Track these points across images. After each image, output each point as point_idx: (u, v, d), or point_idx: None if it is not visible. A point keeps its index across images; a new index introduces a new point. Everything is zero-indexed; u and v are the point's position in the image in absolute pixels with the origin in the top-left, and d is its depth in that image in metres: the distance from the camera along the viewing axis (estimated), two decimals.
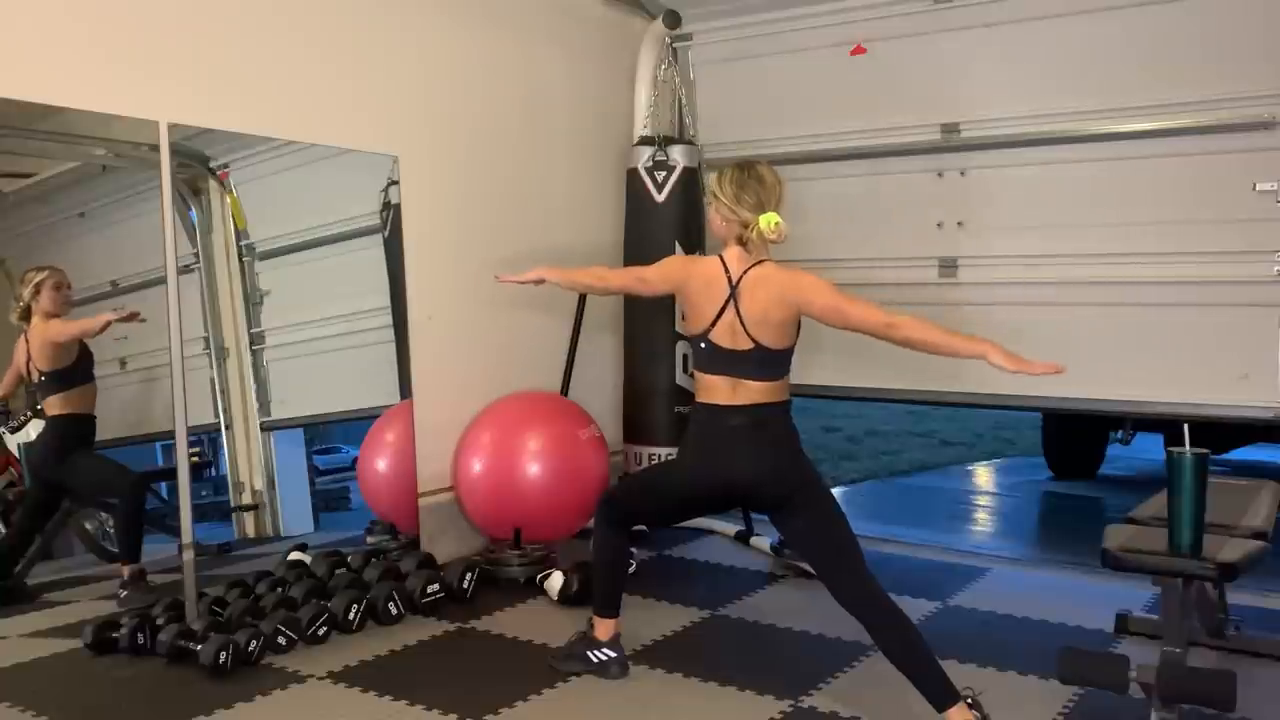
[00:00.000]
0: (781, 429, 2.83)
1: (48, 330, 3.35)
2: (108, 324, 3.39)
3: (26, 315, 3.34)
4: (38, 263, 3.32)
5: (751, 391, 2.77)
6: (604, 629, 3.05)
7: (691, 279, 2.84)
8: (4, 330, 3.41)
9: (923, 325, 2.57)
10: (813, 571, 2.91)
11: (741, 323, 2.72)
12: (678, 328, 4.51)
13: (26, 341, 3.36)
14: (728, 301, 2.73)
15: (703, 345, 2.80)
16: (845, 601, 2.71)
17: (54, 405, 3.39)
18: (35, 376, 3.38)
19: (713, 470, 2.84)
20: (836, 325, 2.67)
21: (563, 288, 3.33)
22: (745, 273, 2.73)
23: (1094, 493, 7.56)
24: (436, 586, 3.63)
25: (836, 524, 2.76)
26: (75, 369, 3.42)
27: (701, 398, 2.87)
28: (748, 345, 2.73)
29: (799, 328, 2.77)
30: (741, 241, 2.74)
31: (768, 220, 2.67)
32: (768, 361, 2.75)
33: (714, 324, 2.76)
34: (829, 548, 2.76)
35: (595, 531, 3.05)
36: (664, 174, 4.50)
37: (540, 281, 3.19)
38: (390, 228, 4.01)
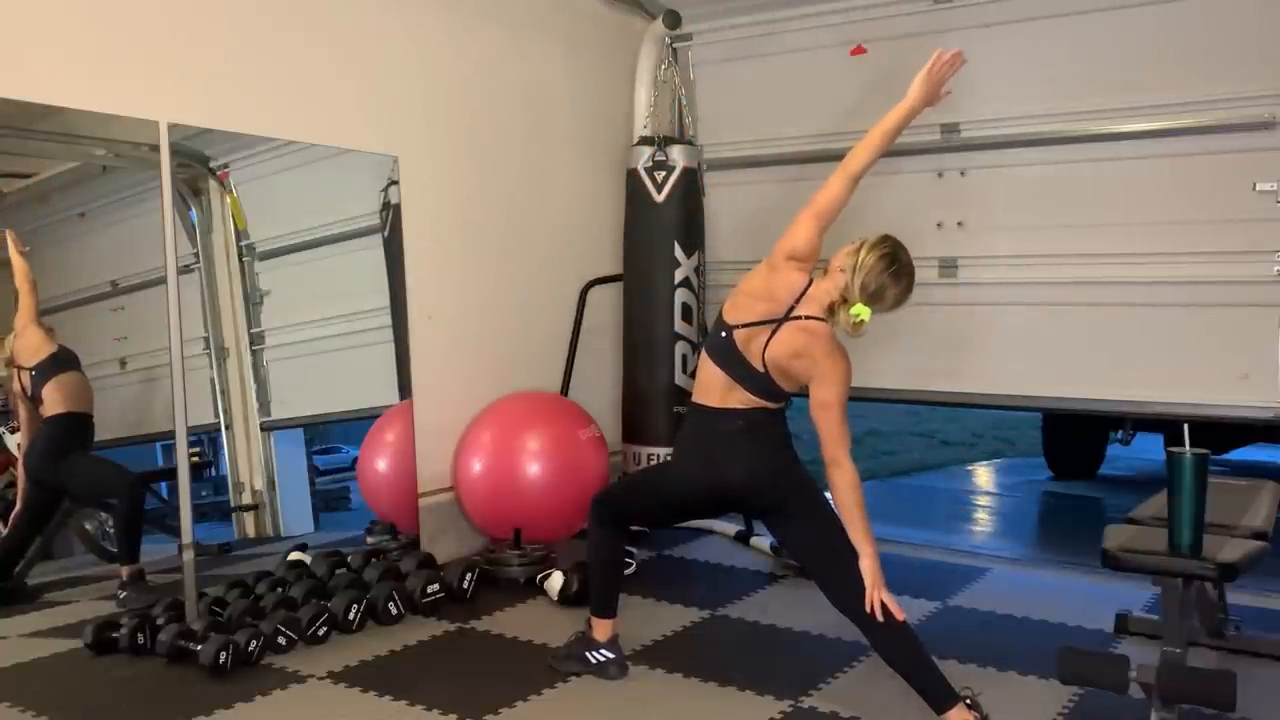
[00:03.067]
0: (774, 434, 2.85)
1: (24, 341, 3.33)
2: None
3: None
4: (38, 263, 3.32)
5: (745, 398, 2.80)
6: (601, 629, 3.05)
7: (776, 271, 2.71)
8: (4, 332, 3.41)
9: (844, 488, 2.64)
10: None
11: (765, 349, 2.70)
12: (677, 329, 4.50)
13: (11, 355, 3.36)
14: (772, 320, 2.69)
15: (724, 334, 2.75)
16: (841, 606, 2.72)
17: (50, 403, 3.39)
18: (28, 381, 3.37)
19: (706, 474, 2.85)
20: (827, 223, 2.69)
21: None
22: (806, 317, 2.67)
23: (1094, 493, 7.56)
24: (436, 586, 3.63)
25: (831, 529, 2.76)
26: (58, 355, 3.38)
27: (696, 395, 2.88)
28: (760, 368, 2.73)
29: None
30: (829, 299, 2.65)
31: (859, 311, 2.59)
32: (768, 390, 2.76)
33: (747, 326, 2.72)
34: (824, 553, 2.76)
35: (589, 531, 3.05)
36: (664, 174, 4.50)
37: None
38: (390, 228, 4.01)
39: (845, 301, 2.62)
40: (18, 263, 3.32)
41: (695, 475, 2.88)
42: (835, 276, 2.66)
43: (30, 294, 3.34)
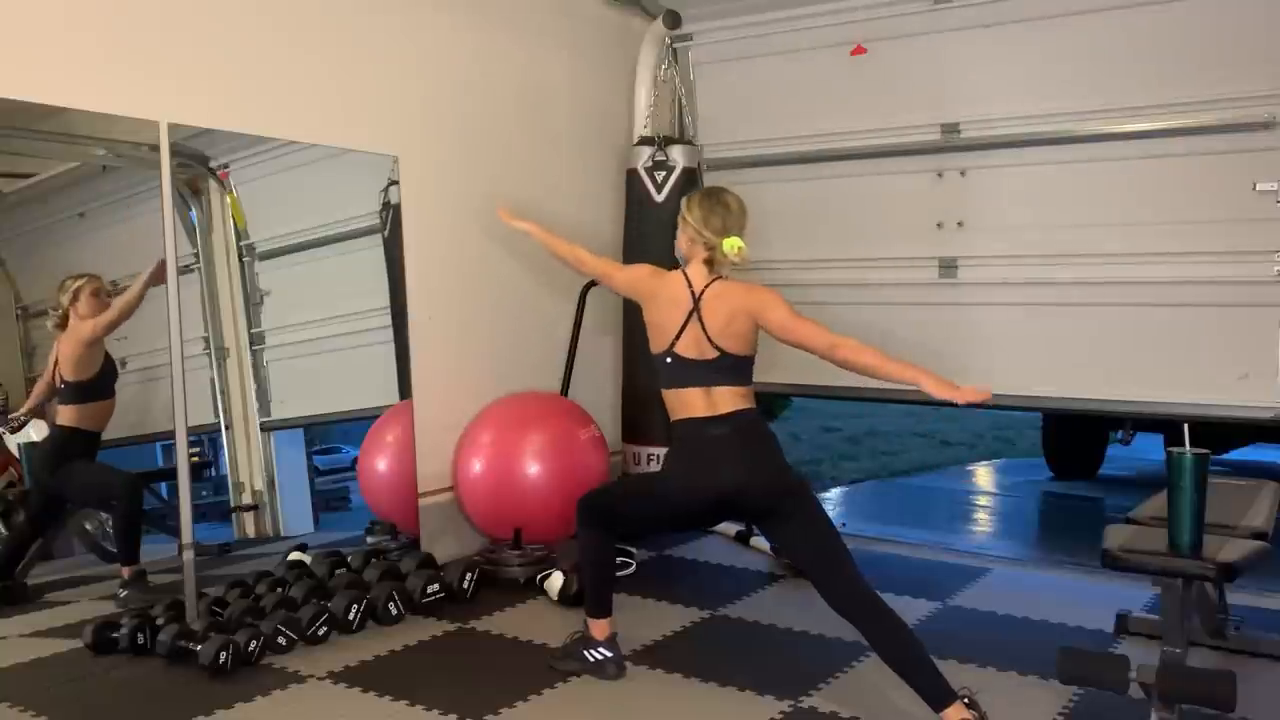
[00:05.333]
0: (763, 436, 2.88)
1: (81, 330, 3.35)
2: (145, 286, 3.35)
3: (63, 323, 3.36)
4: (38, 263, 3.33)
5: (725, 399, 2.83)
6: (598, 629, 3.06)
7: (657, 295, 2.95)
8: (3, 332, 3.41)
9: (862, 349, 2.68)
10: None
11: (706, 334, 2.83)
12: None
13: (57, 350, 3.37)
14: (690, 315, 2.86)
15: (668, 360, 2.90)
16: (838, 605, 2.72)
17: (64, 415, 3.41)
18: (58, 383, 3.38)
19: (699, 483, 2.85)
20: (786, 341, 2.81)
21: (544, 247, 3.47)
22: (706, 287, 2.87)
23: (1094, 493, 7.56)
24: (436, 586, 3.64)
25: (825, 529, 2.79)
26: (97, 382, 3.43)
27: (679, 414, 2.90)
28: (713, 354, 2.84)
29: (757, 338, 2.87)
30: (707, 261, 2.89)
31: (731, 244, 2.84)
32: (734, 368, 2.86)
33: (678, 338, 2.87)
34: (820, 553, 2.77)
35: (578, 533, 3.06)
36: (664, 174, 4.50)
37: (527, 233, 3.45)
38: (390, 228, 4.01)
39: (713, 250, 2.87)
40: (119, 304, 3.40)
41: (690, 484, 2.88)
42: (691, 248, 2.92)
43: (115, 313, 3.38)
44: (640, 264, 3.16)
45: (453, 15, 4.23)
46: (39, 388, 3.40)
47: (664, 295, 2.93)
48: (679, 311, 2.88)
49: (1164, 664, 2.55)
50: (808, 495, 2.85)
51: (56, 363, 3.38)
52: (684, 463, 2.91)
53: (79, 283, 3.35)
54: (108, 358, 3.43)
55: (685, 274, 2.93)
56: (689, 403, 2.87)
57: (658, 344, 2.93)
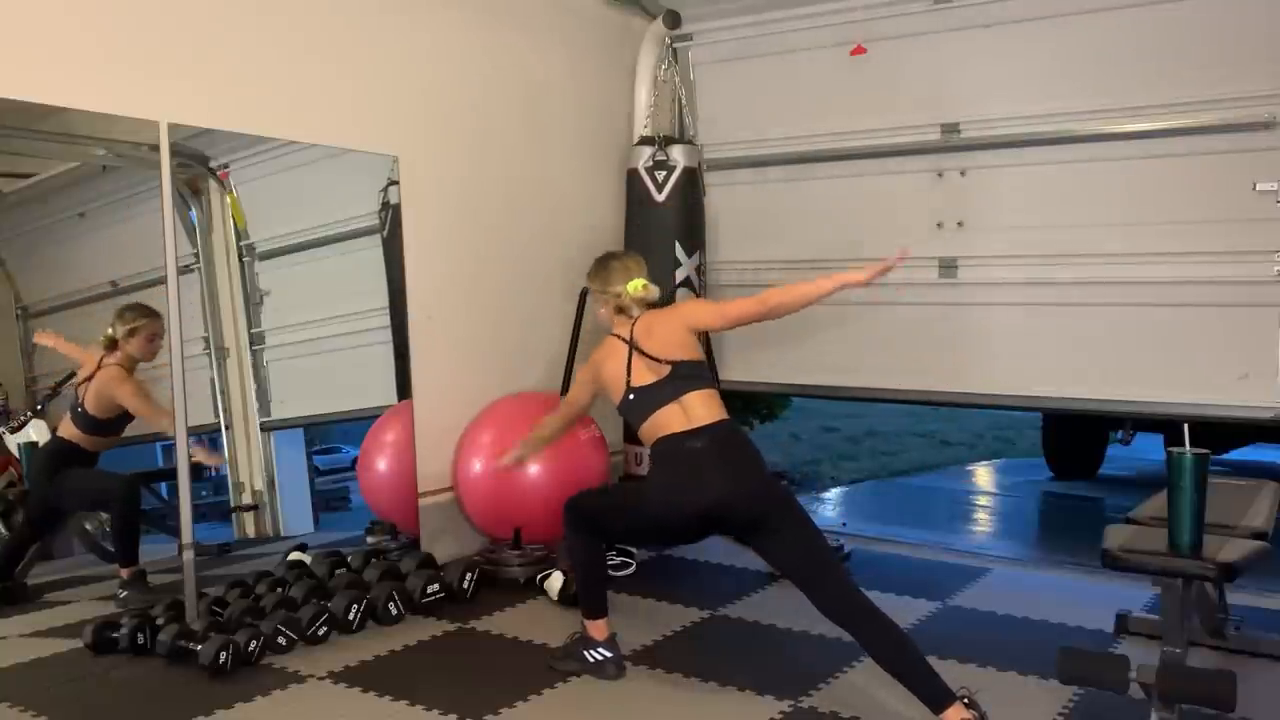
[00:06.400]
0: (741, 446, 2.92)
1: (119, 386, 3.39)
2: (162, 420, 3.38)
3: (110, 347, 3.38)
4: (38, 263, 3.33)
5: (698, 406, 2.89)
6: (596, 629, 3.06)
7: (604, 363, 3.08)
8: (3, 332, 3.42)
9: (789, 288, 2.87)
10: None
11: (651, 357, 2.97)
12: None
13: (98, 368, 3.38)
14: (631, 353, 3.01)
15: (631, 397, 2.98)
16: (831, 613, 2.72)
17: (67, 430, 3.42)
18: (79, 399, 3.39)
19: (681, 498, 2.85)
20: (727, 326, 3.07)
21: (541, 446, 3.60)
22: (633, 329, 3.05)
23: (1094, 493, 7.56)
24: (436, 586, 3.64)
25: (813, 538, 2.79)
26: (112, 422, 3.46)
27: (657, 435, 2.92)
28: (667, 369, 2.94)
29: (705, 345, 3.02)
30: (621, 310, 3.10)
31: (634, 285, 3.07)
32: (692, 374, 2.96)
33: (629, 375, 2.99)
34: (810, 562, 2.77)
35: (565, 536, 3.05)
36: (664, 174, 4.49)
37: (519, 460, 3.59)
38: (390, 228, 4.01)
39: (620, 297, 3.10)
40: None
41: (667, 499, 2.88)
42: (608, 312, 3.16)
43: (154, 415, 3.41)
44: (581, 369, 3.25)
45: (453, 15, 4.23)
46: (82, 359, 3.40)
47: (607, 359, 3.07)
48: (621, 356, 3.03)
49: (1164, 664, 2.55)
50: (793, 505, 2.85)
51: (87, 386, 3.39)
52: (664, 479, 2.92)
53: (141, 322, 3.38)
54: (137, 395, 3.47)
55: (614, 334, 3.10)
56: (664, 423, 2.91)
57: (617, 392, 3.02)
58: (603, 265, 3.18)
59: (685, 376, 2.95)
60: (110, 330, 3.38)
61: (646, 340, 3.00)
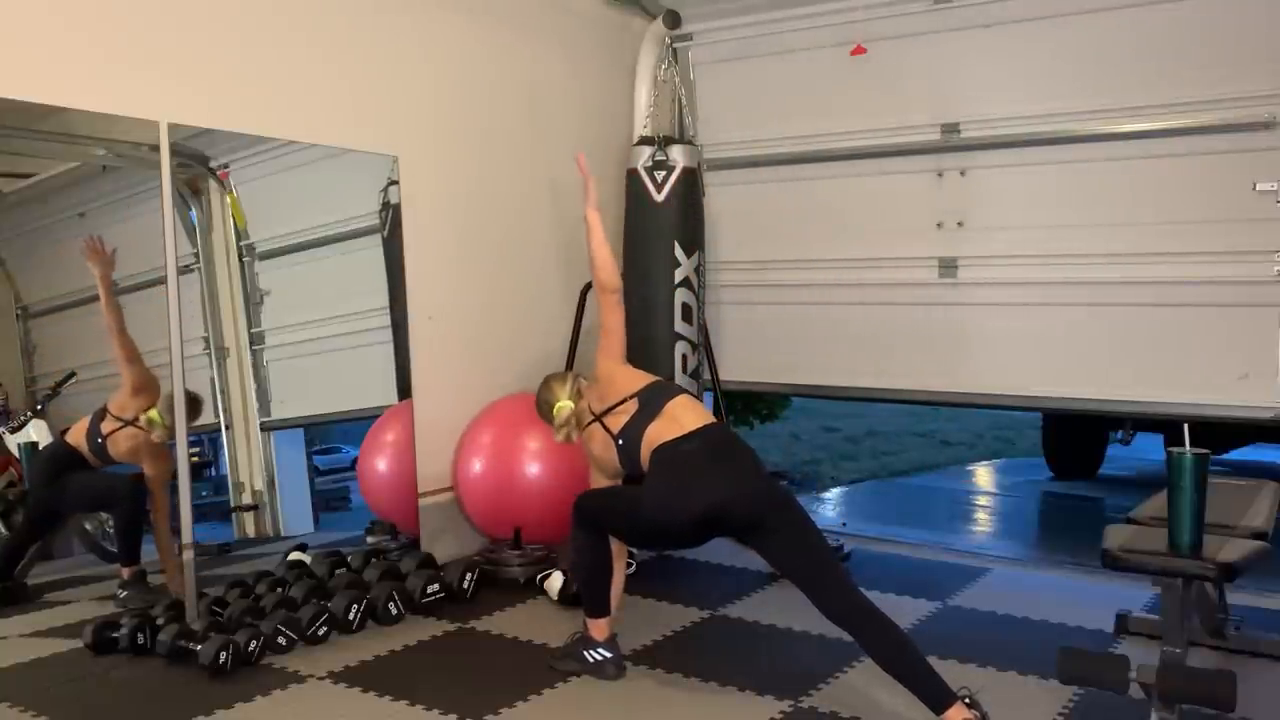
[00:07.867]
0: (733, 445, 2.93)
1: (153, 462, 3.40)
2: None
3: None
4: (38, 263, 3.32)
5: (685, 410, 2.95)
6: (597, 629, 3.06)
7: (592, 449, 3.17)
8: (3, 332, 3.41)
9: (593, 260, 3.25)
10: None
11: (616, 404, 3.07)
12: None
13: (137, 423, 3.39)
14: (602, 421, 3.11)
15: (621, 441, 3.04)
16: (831, 613, 2.72)
17: (75, 438, 3.41)
18: (101, 433, 3.39)
19: (677, 504, 2.83)
20: (611, 326, 3.18)
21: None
22: (590, 409, 3.15)
23: (1094, 493, 7.57)
24: (436, 586, 3.64)
25: (814, 539, 2.79)
26: (124, 462, 3.46)
27: (651, 448, 2.94)
28: (634, 401, 3.03)
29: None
30: (579, 418, 3.17)
31: (561, 409, 3.16)
32: (659, 390, 3.09)
33: (610, 433, 3.06)
34: (810, 562, 2.77)
35: (572, 532, 3.06)
36: (664, 174, 4.49)
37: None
38: (390, 228, 4.01)
39: (570, 419, 3.17)
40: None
41: (668, 504, 2.86)
42: (575, 426, 3.20)
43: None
44: (589, 446, 3.23)
45: (453, 15, 4.23)
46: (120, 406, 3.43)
47: (590, 441, 3.16)
48: (598, 432, 3.11)
49: (1164, 664, 2.55)
50: (792, 505, 2.85)
51: (116, 418, 3.41)
52: (660, 485, 2.90)
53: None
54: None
55: (599, 424, 3.12)
56: (655, 436, 2.94)
57: (611, 449, 3.07)
58: (545, 415, 3.24)
59: (655, 393, 3.04)
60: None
61: (603, 401, 3.10)
